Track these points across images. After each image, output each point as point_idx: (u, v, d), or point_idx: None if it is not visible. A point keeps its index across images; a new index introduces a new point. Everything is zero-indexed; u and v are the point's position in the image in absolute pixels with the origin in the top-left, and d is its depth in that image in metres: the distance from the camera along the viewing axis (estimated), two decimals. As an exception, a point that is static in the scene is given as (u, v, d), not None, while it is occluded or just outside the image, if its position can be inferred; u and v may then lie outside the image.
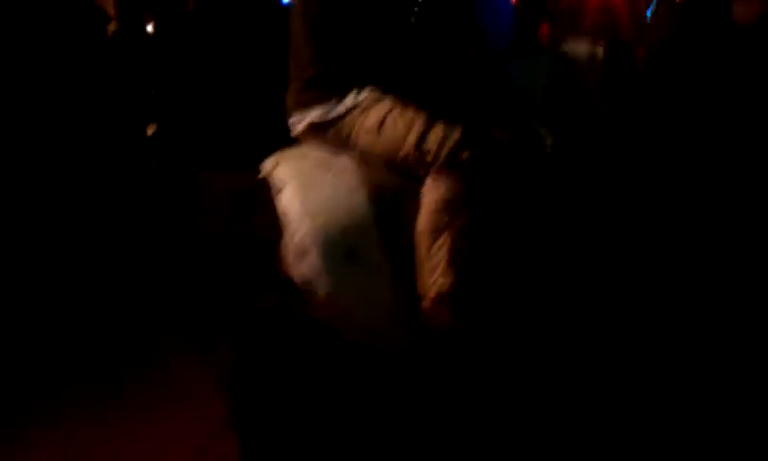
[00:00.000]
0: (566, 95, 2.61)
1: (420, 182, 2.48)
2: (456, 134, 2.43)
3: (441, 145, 2.42)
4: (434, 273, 2.46)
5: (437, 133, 2.43)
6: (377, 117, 2.49)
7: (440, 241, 2.44)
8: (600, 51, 2.69)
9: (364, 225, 2.51)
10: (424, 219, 2.46)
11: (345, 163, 2.56)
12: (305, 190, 2.53)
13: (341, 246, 2.49)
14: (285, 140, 2.72)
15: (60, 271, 4.09)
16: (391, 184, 2.54)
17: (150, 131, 5.10)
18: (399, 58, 2.56)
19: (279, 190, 2.58)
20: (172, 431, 2.89)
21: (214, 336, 3.27)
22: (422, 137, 2.44)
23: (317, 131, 2.58)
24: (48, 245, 4.21)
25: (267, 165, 2.64)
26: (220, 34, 4.73)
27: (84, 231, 4.34)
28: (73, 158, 4.58)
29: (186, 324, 3.40)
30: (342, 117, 2.53)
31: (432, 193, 2.44)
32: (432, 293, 2.47)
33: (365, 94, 2.52)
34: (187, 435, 2.84)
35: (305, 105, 2.57)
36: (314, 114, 2.56)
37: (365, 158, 2.54)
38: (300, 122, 2.60)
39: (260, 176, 2.64)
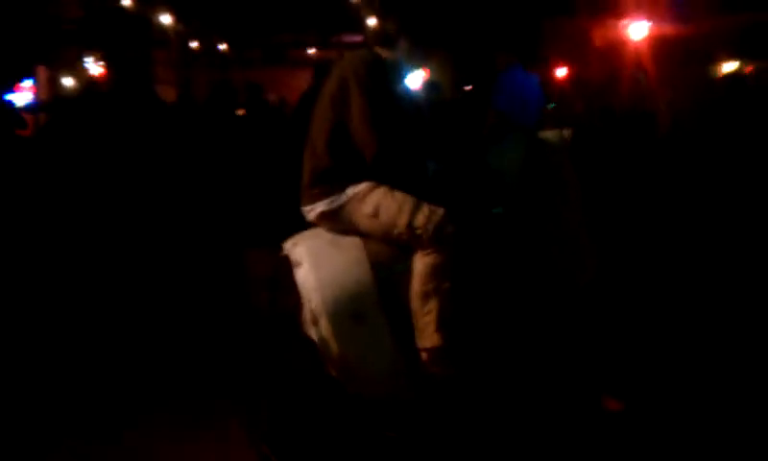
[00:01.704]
0: (539, 174, 3.01)
1: (414, 254, 2.92)
2: (440, 213, 2.87)
3: (427, 223, 2.86)
4: (426, 331, 2.89)
5: (424, 212, 2.88)
6: (373, 204, 2.96)
7: (429, 303, 2.88)
8: (568, 134, 3.10)
9: (368, 291, 2.97)
10: (416, 284, 2.90)
11: (350, 241, 3.03)
12: (318, 265, 2.99)
13: (348, 310, 2.94)
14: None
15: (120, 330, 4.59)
16: (390, 256, 2.99)
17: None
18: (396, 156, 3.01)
19: (297, 265, 3.04)
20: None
21: (246, 394, 3.69)
22: (412, 217, 2.89)
23: (326, 217, 3.05)
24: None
25: (287, 245, 3.11)
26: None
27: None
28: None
29: (218, 381, 3.83)
30: (344, 206, 3.01)
31: (421, 263, 2.88)
32: (426, 349, 2.89)
33: (362, 186, 2.99)
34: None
35: (315, 198, 3.06)
36: (322, 205, 3.04)
37: (366, 237, 3.00)
38: (311, 211, 3.08)
39: (282, 254, 3.12)
